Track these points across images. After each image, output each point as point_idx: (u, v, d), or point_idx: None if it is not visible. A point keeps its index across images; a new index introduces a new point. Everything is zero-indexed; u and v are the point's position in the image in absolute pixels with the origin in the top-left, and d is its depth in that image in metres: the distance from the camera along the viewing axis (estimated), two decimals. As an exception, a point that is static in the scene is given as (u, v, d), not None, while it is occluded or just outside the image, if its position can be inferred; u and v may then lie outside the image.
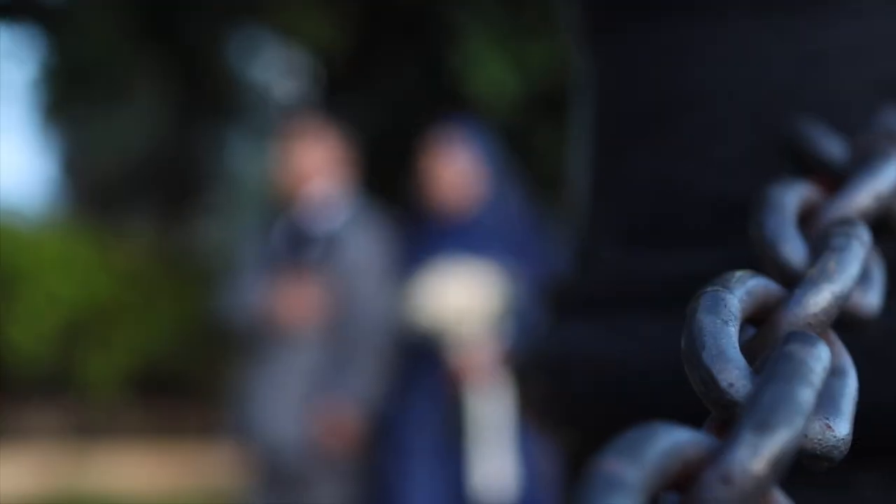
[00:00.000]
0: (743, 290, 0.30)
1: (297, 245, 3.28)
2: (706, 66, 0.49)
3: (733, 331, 0.28)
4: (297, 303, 3.14)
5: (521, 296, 3.07)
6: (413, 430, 3.08)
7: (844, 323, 0.34)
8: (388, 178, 10.19)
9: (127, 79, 6.99)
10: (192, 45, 9.22)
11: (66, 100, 6.83)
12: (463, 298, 3.00)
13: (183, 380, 8.02)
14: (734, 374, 0.28)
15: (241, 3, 7.63)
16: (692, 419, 0.40)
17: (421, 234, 3.30)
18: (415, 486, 3.04)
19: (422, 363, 3.12)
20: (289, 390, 3.13)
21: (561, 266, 3.71)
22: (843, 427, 0.29)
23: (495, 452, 3.05)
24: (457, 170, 3.20)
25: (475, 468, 3.01)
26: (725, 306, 0.29)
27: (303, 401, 3.12)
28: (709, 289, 0.29)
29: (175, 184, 9.47)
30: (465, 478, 3.00)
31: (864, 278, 0.35)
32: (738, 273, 0.30)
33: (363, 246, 3.26)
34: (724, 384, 0.28)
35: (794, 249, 0.34)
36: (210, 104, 10.20)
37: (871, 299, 0.35)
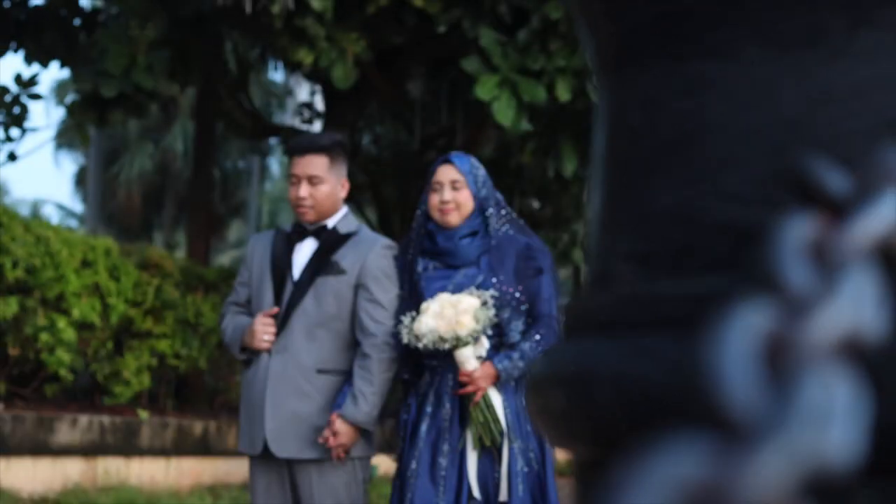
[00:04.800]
0: (756, 317, 0.32)
1: (304, 251, 3.34)
2: (720, 101, 0.51)
3: (748, 357, 0.30)
4: (261, 331, 3.23)
5: (511, 312, 3.16)
6: (417, 435, 3.18)
7: (852, 349, 0.36)
8: (389, 199, 10.17)
9: (154, 103, 7.05)
10: (221, 74, 9.28)
11: (93, 122, 6.88)
12: (453, 317, 3.09)
13: (207, 392, 8.07)
14: (749, 400, 0.29)
15: (265, 37, 7.67)
16: (705, 436, 0.42)
17: (417, 252, 3.38)
18: (419, 486, 3.12)
19: (423, 372, 3.24)
20: (286, 387, 3.21)
21: (554, 285, 3.77)
22: (852, 451, 0.30)
23: (495, 457, 3.15)
24: (453, 194, 3.31)
25: (474, 470, 3.10)
26: (740, 333, 0.31)
27: (302, 397, 3.20)
28: (724, 315, 0.31)
29: (203, 204, 9.53)
30: (467, 480, 3.09)
31: (870, 306, 0.37)
32: (751, 300, 0.32)
33: (371, 255, 3.30)
34: (739, 410, 0.29)
35: (803, 280, 0.36)
36: (237, 129, 10.25)
37: (878, 326, 0.37)
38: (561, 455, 11.02)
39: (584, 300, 0.57)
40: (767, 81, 0.51)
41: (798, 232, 0.38)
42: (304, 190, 3.28)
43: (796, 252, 0.36)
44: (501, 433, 3.08)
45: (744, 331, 0.31)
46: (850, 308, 0.34)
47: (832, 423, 0.29)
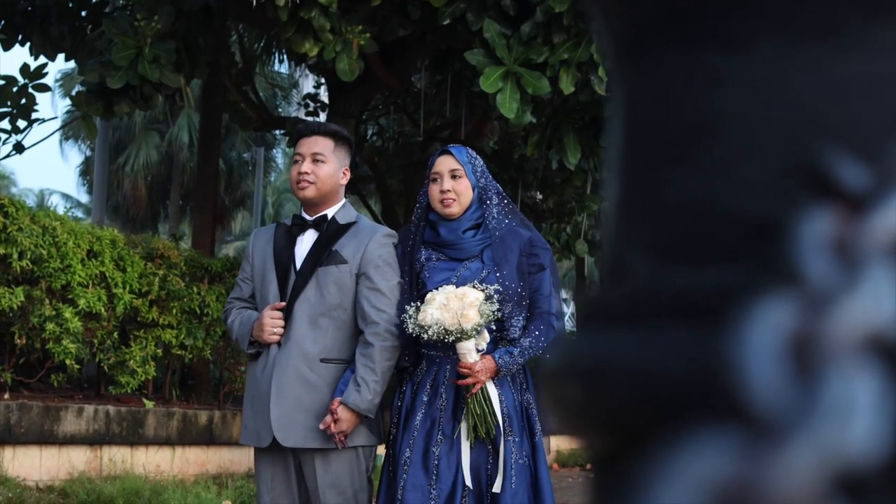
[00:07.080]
0: (781, 313, 0.32)
1: (308, 243, 3.36)
2: (734, 93, 0.51)
3: (774, 352, 0.30)
4: (270, 324, 3.26)
5: (513, 307, 3.18)
6: (412, 423, 3.22)
7: (875, 344, 0.36)
8: (394, 191, 10.26)
9: (159, 95, 7.09)
10: (227, 66, 9.30)
11: (99, 114, 6.90)
12: (459, 310, 3.12)
13: (212, 381, 8.10)
14: (775, 394, 0.29)
15: (270, 29, 7.69)
16: (731, 432, 0.42)
17: (419, 242, 3.41)
18: (411, 473, 3.16)
19: (420, 361, 3.28)
20: (290, 376, 3.23)
21: (553, 281, 3.83)
22: (880, 446, 0.30)
23: (489, 448, 3.19)
24: (453, 183, 3.34)
25: (468, 460, 3.14)
26: (766, 328, 0.31)
27: (306, 386, 3.22)
28: (747, 309, 0.31)
29: (208, 196, 9.54)
30: (462, 469, 3.13)
31: (892, 301, 0.37)
32: (774, 295, 0.32)
33: (371, 243, 3.33)
34: (765, 406, 0.29)
35: (825, 275, 0.36)
36: (242, 121, 10.27)
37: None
38: (564, 445, 10.98)
39: (599, 291, 0.57)
40: (783, 74, 0.50)
41: (819, 226, 0.38)
42: (306, 165, 3.31)
43: (818, 247, 0.36)
44: (497, 426, 3.12)
45: (769, 326, 0.31)
46: (873, 303, 0.34)
47: (857, 418, 0.29)
